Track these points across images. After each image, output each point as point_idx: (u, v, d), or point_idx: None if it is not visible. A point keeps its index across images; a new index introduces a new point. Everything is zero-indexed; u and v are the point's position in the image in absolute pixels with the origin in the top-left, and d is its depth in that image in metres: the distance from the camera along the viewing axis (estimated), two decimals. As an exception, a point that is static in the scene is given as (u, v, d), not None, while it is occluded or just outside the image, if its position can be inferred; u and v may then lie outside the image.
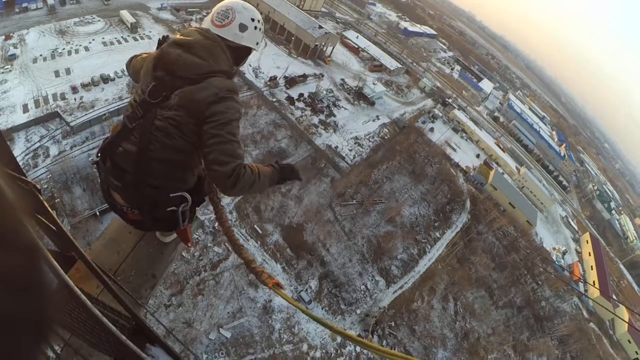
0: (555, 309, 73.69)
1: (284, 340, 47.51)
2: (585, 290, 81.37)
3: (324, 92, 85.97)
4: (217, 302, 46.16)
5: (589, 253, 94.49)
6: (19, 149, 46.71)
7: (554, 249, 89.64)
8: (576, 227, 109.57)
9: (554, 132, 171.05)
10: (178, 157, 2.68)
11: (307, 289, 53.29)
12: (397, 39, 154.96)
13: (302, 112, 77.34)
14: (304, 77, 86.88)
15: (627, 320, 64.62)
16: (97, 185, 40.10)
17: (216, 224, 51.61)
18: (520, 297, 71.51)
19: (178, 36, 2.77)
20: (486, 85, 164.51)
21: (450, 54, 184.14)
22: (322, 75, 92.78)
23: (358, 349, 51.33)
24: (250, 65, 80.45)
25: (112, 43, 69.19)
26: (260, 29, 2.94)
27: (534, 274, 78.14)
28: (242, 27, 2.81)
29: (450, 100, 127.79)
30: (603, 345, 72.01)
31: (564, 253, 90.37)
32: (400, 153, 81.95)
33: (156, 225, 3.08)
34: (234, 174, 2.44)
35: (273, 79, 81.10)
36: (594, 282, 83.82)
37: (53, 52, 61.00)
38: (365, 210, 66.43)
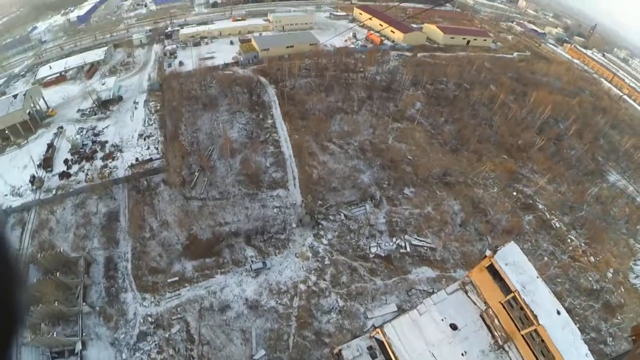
0: None
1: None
2: None
3: (77, 137, 70.64)
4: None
5: None
6: None
7: None
8: None
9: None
10: None
11: (251, 263, 50.36)
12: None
13: (84, 171, 63.89)
14: (50, 147, 70.25)
15: None
16: None
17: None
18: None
19: None
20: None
21: None
22: (62, 127, 75.53)
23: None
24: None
25: None
26: None
27: None
28: None
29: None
30: None
31: None
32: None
33: None
34: None
35: (35, 180, 63.13)
36: None
37: None
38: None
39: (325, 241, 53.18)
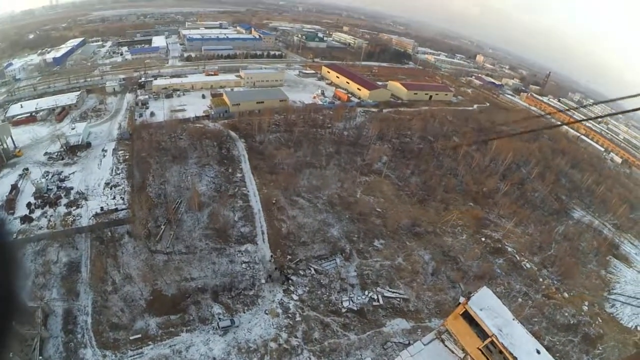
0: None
1: None
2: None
3: (42, 181, 68.03)
4: None
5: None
6: None
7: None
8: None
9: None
10: None
11: (218, 320, 47.94)
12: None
13: (46, 217, 60.44)
14: (14, 189, 66.98)
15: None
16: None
17: None
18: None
19: None
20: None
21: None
22: (27, 169, 72.68)
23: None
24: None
25: None
26: None
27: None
28: None
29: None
30: None
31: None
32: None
33: None
34: None
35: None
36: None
37: None
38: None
39: (295, 297, 51.64)
